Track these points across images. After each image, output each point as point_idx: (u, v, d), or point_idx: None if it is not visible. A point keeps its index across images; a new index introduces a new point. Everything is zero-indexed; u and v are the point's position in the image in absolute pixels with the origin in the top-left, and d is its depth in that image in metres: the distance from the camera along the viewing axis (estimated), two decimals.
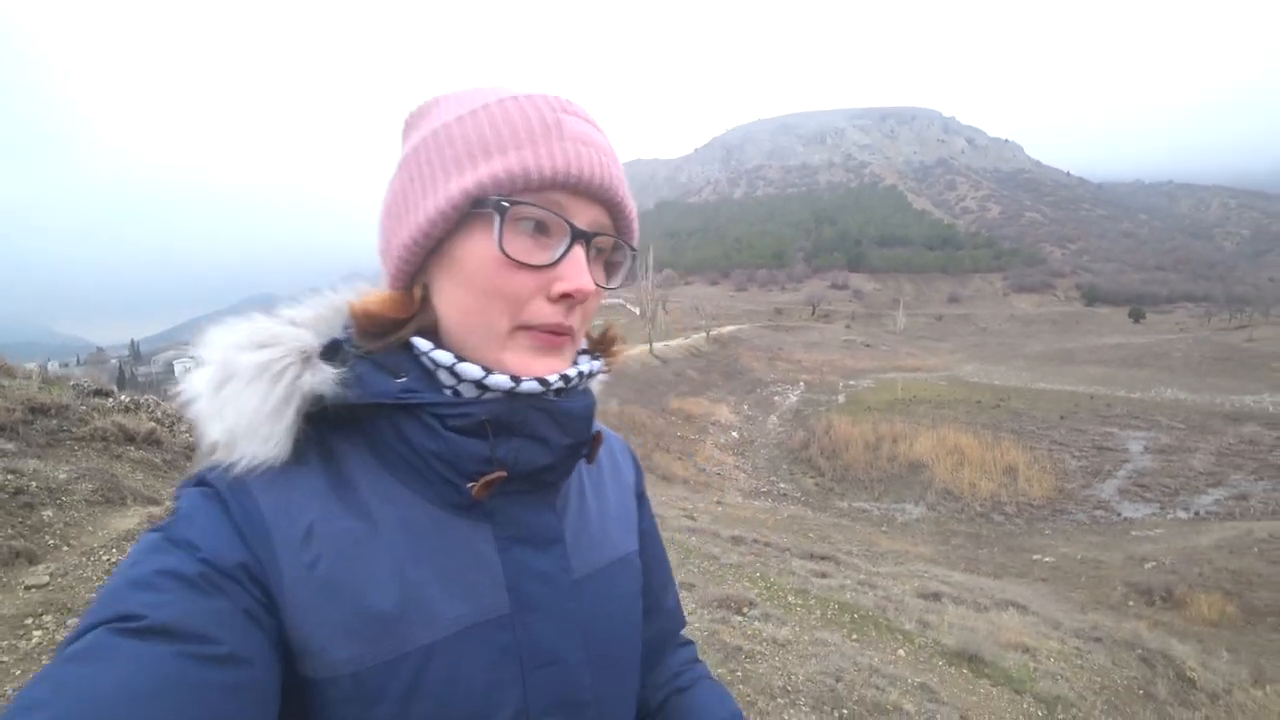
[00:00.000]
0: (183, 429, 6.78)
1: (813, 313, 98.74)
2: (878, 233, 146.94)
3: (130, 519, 4.57)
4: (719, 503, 13.31)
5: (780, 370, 44.53)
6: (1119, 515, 16.41)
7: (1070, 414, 26.23)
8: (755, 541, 8.29)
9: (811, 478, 20.45)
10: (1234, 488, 17.47)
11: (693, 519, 9.99)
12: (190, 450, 6.62)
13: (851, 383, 38.88)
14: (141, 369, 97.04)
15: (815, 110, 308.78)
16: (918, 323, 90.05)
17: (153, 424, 6.44)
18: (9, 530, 4.17)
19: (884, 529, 15.13)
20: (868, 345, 63.10)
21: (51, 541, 4.34)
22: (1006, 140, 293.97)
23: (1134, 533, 14.85)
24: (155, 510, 4.78)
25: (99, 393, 7.72)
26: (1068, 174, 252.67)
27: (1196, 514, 16.08)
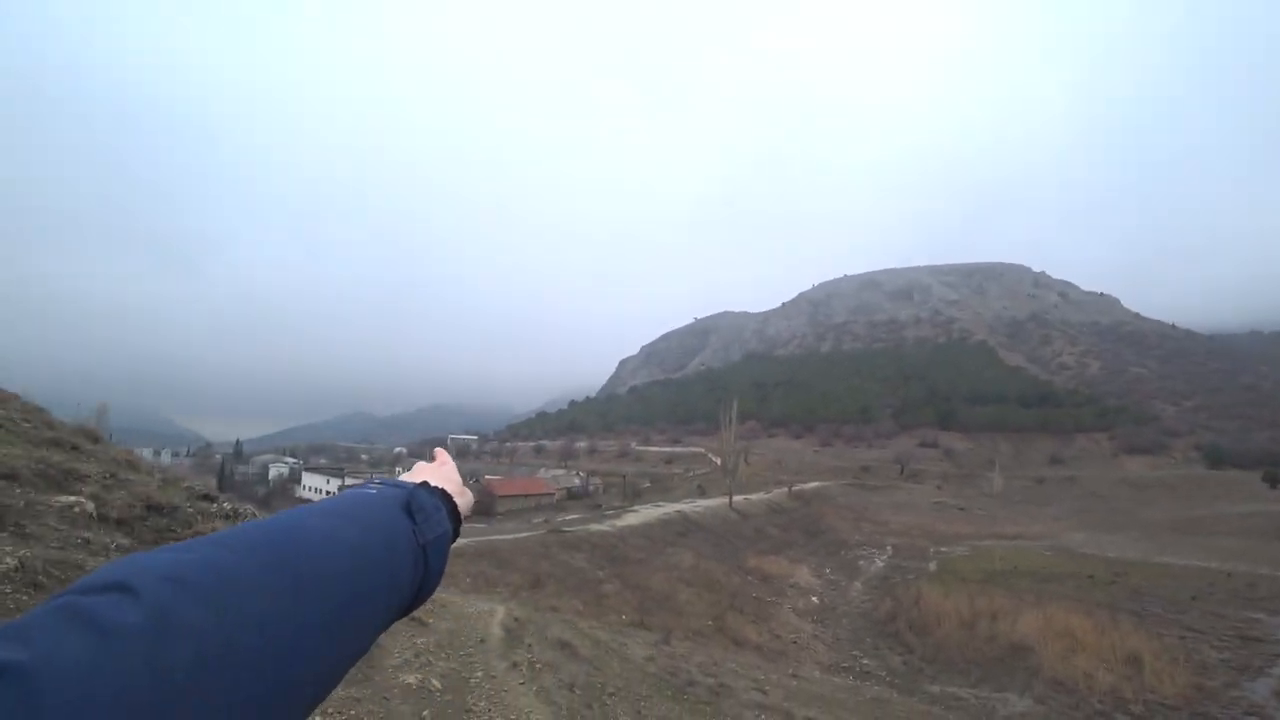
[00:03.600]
0: None
1: (901, 472, 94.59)
2: (969, 389, 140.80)
3: None
4: (794, 675, 11.97)
5: (866, 532, 42.09)
6: None
7: (1204, 594, 22.86)
8: None
9: (899, 654, 18.24)
10: None
11: (764, 693, 9.05)
12: None
13: (944, 549, 35.96)
14: (240, 468, 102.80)
15: (901, 267, 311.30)
16: (1017, 485, 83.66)
17: None
18: None
19: None
20: (961, 509, 59.04)
21: None
22: (1102, 294, 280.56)
23: None
24: None
25: (205, 497, 8.24)
26: (1173, 326, 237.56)
27: None
